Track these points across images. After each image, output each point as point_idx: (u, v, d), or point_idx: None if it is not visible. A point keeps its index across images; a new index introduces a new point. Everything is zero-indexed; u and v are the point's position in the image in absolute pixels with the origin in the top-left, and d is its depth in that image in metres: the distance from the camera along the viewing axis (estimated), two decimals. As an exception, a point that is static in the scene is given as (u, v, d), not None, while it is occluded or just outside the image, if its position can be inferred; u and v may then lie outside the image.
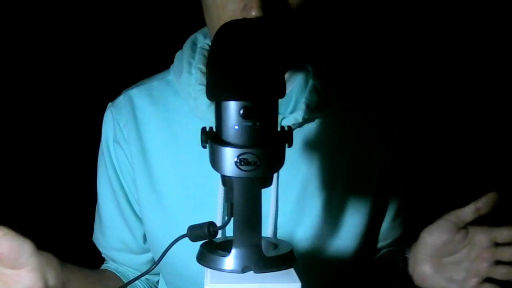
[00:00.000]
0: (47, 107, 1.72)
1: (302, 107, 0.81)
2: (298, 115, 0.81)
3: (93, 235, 0.98)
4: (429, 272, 0.76)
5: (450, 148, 1.70)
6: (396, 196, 0.91)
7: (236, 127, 0.58)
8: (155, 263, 0.74)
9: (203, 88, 0.82)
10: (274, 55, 0.60)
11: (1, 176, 1.70)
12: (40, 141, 1.73)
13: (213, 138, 0.60)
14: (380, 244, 0.95)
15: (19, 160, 1.73)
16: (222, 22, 0.64)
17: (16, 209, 1.67)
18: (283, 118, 0.80)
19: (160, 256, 0.70)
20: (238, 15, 0.71)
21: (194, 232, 0.65)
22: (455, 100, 1.68)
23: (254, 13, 0.70)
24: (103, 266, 0.98)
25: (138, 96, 0.90)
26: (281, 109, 0.80)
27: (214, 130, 0.61)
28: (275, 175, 0.80)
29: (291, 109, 0.83)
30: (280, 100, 0.80)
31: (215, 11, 0.75)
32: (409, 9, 1.64)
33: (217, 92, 0.59)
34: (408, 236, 0.96)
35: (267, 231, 0.81)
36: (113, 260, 0.96)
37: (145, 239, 0.93)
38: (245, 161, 0.58)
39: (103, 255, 0.99)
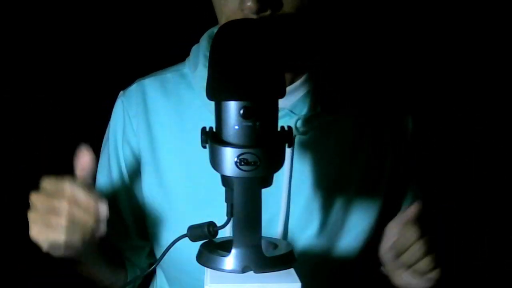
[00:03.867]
0: (54, 99, 1.71)
1: (317, 109, 0.81)
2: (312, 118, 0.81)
3: None
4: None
5: (464, 148, 1.67)
6: (409, 198, 0.90)
7: (236, 127, 0.58)
8: (157, 261, 0.74)
9: None
10: (274, 55, 0.60)
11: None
12: (42, 136, 1.73)
13: (213, 138, 0.60)
14: None
15: (16, 153, 1.72)
16: (224, 17, 0.63)
17: (10, 202, 1.67)
18: (298, 119, 0.79)
19: (161, 256, 0.70)
20: (236, 7, 0.71)
21: (194, 232, 0.65)
22: (468, 98, 1.66)
23: (249, 3, 0.69)
24: None
25: (150, 86, 0.88)
26: (296, 110, 0.80)
27: (214, 130, 0.61)
28: (286, 176, 0.81)
29: (307, 111, 0.82)
30: (295, 101, 0.81)
31: (218, 6, 0.75)
32: (416, 8, 1.62)
33: (217, 92, 0.59)
34: None
35: (277, 232, 0.81)
36: None
37: (136, 234, 0.91)
38: (245, 161, 0.58)
39: None
